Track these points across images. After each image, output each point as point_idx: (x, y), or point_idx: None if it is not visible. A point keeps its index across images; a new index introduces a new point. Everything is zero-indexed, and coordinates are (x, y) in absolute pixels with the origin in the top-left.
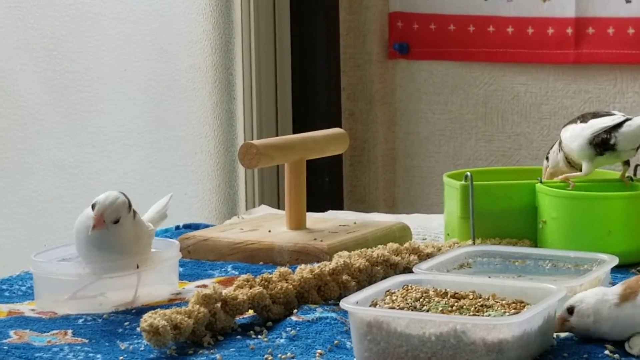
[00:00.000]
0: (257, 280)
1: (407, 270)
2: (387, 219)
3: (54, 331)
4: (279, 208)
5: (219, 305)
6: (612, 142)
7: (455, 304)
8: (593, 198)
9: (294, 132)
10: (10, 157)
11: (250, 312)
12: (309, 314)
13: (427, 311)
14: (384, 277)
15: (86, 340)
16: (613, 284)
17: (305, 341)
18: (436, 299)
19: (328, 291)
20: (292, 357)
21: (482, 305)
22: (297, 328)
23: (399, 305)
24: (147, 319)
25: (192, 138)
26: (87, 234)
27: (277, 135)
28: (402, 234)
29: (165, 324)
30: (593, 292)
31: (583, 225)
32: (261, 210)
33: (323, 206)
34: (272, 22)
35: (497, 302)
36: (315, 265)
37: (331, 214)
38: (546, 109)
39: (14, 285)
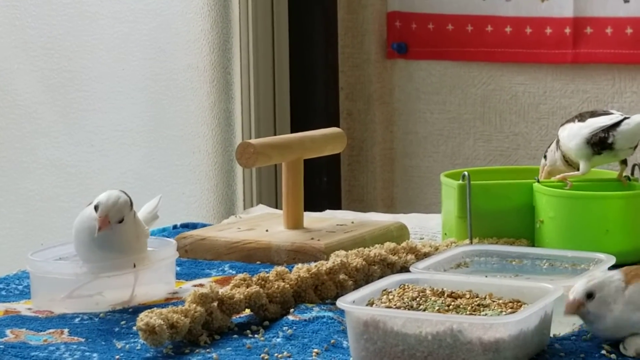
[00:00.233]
0: (254, 279)
1: (404, 269)
2: (385, 219)
3: (50, 330)
4: (276, 207)
5: (215, 304)
6: (610, 141)
7: (452, 303)
8: (590, 197)
9: (291, 132)
10: (8, 156)
11: (247, 311)
12: (306, 313)
13: (424, 310)
14: (381, 277)
15: (82, 340)
16: None
17: (301, 340)
18: (433, 298)
19: (325, 290)
20: (289, 357)
21: (478, 305)
22: (294, 327)
23: (395, 305)
24: (143, 318)
25: (190, 137)
26: (89, 234)
27: (275, 135)
28: (400, 233)
29: (162, 323)
30: (608, 278)
31: (580, 225)
32: (259, 209)
33: (321, 206)
34: (270, 22)
35: (493, 301)
36: (313, 264)
37: (329, 213)
38: (544, 108)
39: (10, 284)
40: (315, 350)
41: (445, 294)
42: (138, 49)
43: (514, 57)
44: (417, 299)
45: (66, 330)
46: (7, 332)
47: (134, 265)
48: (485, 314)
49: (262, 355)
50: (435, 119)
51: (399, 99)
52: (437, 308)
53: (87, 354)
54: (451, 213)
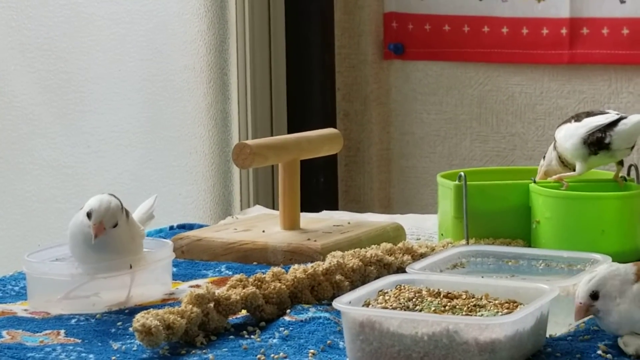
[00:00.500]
0: (250, 280)
1: (401, 270)
2: (381, 219)
3: (47, 331)
4: (273, 208)
5: (212, 305)
6: (606, 140)
7: (448, 303)
8: (586, 198)
9: (288, 133)
10: (4, 158)
11: (244, 312)
12: (302, 314)
13: (420, 311)
14: (377, 277)
15: (79, 341)
16: None
17: (298, 341)
18: (429, 298)
19: (321, 291)
20: (285, 357)
21: (474, 305)
22: (290, 328)
23: (391, 305)
24: (139, 319)
25: (186, 138)
26: (84, 240)
27: (271, 136)
28: (396, 234)
29: (158, 324)
30: (611, 273)
31: (576, 225)
32: (255, 210)
33: (318, 206)
34: (266, 23)
35: (490, 302)
36: (309, 265)
37: (325, 214)
38: (541, 109)
39: (7, 285)
40: (312, 351)
41: (442, 295)
42: (135, 50)
43: (510, 58)
44: (413, 300)
45: (62, 331)
46: (4, 333)
47: (130, 267)
48: (482, 315)
49: (258, 356)
50: (432, 119)
51: (396, 100)
52: (433, 309)
53: (84, 355)
54: (447, 214)
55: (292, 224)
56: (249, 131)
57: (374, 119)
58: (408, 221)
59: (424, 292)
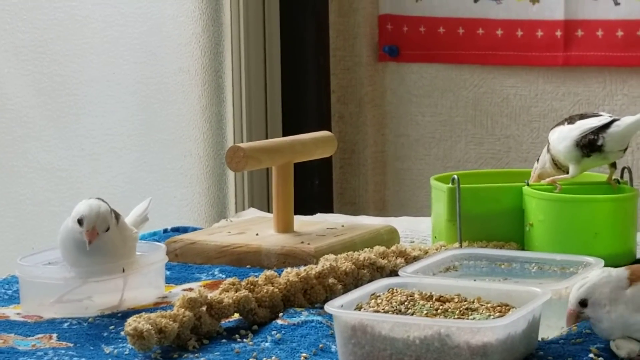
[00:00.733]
0: (243, 283)
1: (394, 273)
2: (375, 222)
3: (39, 335)
4: (268, 211)
5: (204, 308)
6: (599, 143)
7: (440, 307)
8: (580, 201)
9: (283, 135)
10: None
11: (236, 315)
12: (295, 317)
13: (412, 315)
14: (370, 280)
15: (71, 344)
16: None
17: (290, 345)
18: (421, 302)
19: (314, 294)
20: None
21: (467, 309)
22: (283, 332)
23: (383, 309)
24: (131, 323)
25: (181, 141)
26: (76, 246)
27: (266, 138)
28: (390, 236)
29: (150, 327)
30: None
31: (570, 228)
32: (250, 213)
33: (313, 209)
34: (261, 25)
35: (482, 305)
36: (302, 268)
37: (320, 216)
38: (536, 111)
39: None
40: (304, 354)
41: (434, 298)
42: (129, 53)
43: (505, 60)
44: (406, 303)
45: (55, 335)
46: None
47: (123, 270)
48: (474, 318)
49: (250, 359)
50: (427, 121)
51: (391, 102)
52: (425, 312)
53: (76, 359)
54: (441, 216)
55: (285, 227)
56: (244, 134)
57: (369, 121)
58: (402, 224)
59: (416, 296)
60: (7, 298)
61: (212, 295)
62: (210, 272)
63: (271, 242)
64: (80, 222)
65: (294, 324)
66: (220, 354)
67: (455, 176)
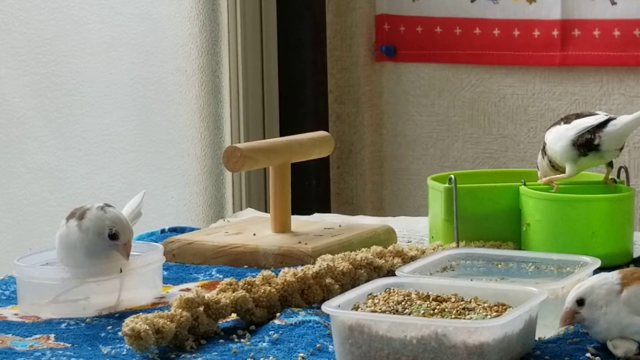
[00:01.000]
0: (240, 283)
1: (391, 273)
2: (373, 222)
3: (37, 336)
4: (266, 211)
5: (201, 309)
6: (596, 142)
7: (437, 307)
8: (576, 200)
9: (280, 135)
10: None
11: (233, 315)
12: (292, 317)
13: (409, 314)
14: (367, 280)
15: (68, 345)
16: None
17: (287, 345)
18: (418, 302)
19: (311, 294)
20: None
21: (464, 308)
22: (280, 332)
23: (380, 309)
24: (128, 323)
25: (178, 141)
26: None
27: (264, 139)
28: (387, 236)
29: (147, 328)
30: (599, 282)
31: (566, 228)
32: (247, 213)
33: (310, 209)
34: (258, 25)
35: (479, 304)
36: (299, 268)
37: (317, 216)
38: (532, 111)
39: None
40: (301, 354)
41: (431, 298)
42: (126, 53)
43: (502, 60)
44: (403, 303)
45: (52, 335)
46: None
47: (121, 270)
48: (470, 318)
49: (247, 359)
50: (424, 121)
51: (388, 102)
52: (422, 312)
53: (73, 359)
54: (438, 216)
55: (283, 227)
56: (241, 134)
57: (366, 121)
58: (399, 223)
59: (413, 296)
60: (5, 299)
61: (210, 295)
62: (207, 273)
63: (268, 242)
64: (114, 236)
65: (291, 324)
66: (218, 354)
67: (452, 176)
